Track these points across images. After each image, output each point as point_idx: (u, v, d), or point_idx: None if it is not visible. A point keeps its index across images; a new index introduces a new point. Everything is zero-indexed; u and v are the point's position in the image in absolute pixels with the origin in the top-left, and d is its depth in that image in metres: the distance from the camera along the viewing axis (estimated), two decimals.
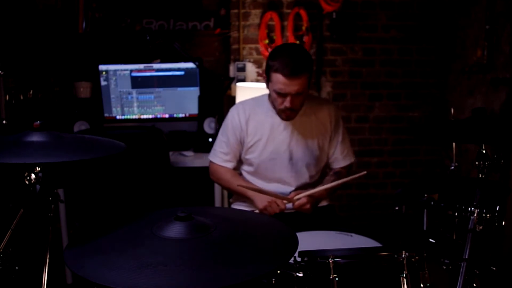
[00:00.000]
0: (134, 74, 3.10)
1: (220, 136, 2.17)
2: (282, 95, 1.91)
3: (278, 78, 1.87)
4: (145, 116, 3.16)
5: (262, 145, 2.08)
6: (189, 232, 1.06)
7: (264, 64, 3.35)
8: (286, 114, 1.98)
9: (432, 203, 1.67)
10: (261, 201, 1.99)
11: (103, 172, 2.41)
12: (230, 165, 2.15)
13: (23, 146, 1.28)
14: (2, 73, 2.43)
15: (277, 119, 2.06)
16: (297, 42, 3.27)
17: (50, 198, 1.39)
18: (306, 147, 2.08)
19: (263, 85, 3.15)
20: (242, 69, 3.35)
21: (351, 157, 2.22)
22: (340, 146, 2.16)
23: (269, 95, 2.10)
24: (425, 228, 1.79)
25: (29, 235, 1.67)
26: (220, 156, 2.15)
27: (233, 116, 2.12)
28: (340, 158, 2.18)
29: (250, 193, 2.03)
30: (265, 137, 2.07)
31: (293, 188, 2.11)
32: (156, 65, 3.10)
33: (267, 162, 2.08)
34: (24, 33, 2.87)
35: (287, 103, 1.91)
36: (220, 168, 2.16)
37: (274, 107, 2.03)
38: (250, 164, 2.14)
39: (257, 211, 2.03)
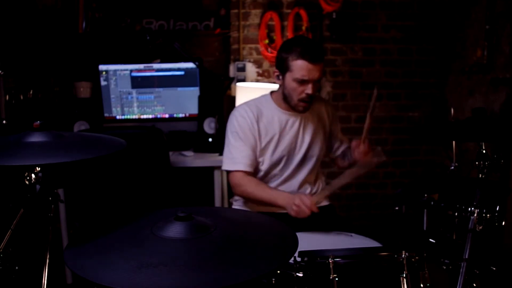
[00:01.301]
0: (134, 74, 3.10)
1: (233, 143, 2.02)
2: (304, 82, 1.92)
3: (302, 65, 1.88)
4: (145, 116, 3.16)
5: (274, 144, 2.06)
6: (189, 232, 1.06)
7: (264, 64, 3.36)
8: (304, 105, 1.98)
9: (432, 203, 1.67)
10: (291, 206, 1.83)
11: (103, 172, 2.41)
12: (253, 169, 2.02)
13: (23, 146, 1.28)
14: (2, 73, 2.43)
15: (284, 116, 2.07)
16: None
17: (50, 198, 1.39)
18: (314, 141, 2.11)
19: (263, 85, 3.18)
20: (242, 69, 3.35)
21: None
22: (340, 132, 2.27)
23: (272, 92, 2.11)
24: (425, 228, 1.79)
25: (29, 235, 1.67)
26: (243, 161, 2.00)
27: (243, 118, 2.03)
28: (344, 139, 2.29)
29: (281, 201, 1.90)
30: (277, 136, 2.06)
31: (298, 183, 2.13)
32: (156, 65, 3.10)
33: (279, 161, 2.08)
34: (24, 33, 2.87)
35: (309, 90, 1.92)
36: (243, 178, 2.00)
37: (288, 101, 2.00)
38: (260, 165, 2.10)
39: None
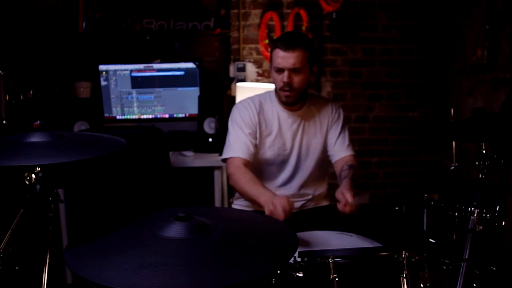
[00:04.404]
0: (134, 74, 3.10)
1: (231, 132, 2.05)
2: (280, 70, 1.94)
3: (276, 53, 1.93)
4: (145, 116, 3.16)
5: (271, 141, 2.07)
6: (189, 232, 1.06)
7: (264, 64, 3.37)
8: (285, 94, 1.98)
9: (432, 203, 1.67)
10: (268, 205, 1.74)
11: (103, 172, 2.41)
12: (250, 157, 2.00)
13: (23, 146, 1.28)
14: (2, 73, 2.43)
15: (284, 114, 2.06)
16: None
17: (50, 198, 1.38)
18: (313, 143, 2.09)
19: (263, 85, 3.18)
20: (242, 69, 3.35)
21: (352, 150, 2.13)
22: (341, 137, 2.11)
23: (275, 89, 2.11)
24: (425, 228, 1.79)
25: (29, 235, 1.67)
26: (239, 148, 2.00)
27: (245, 108, 2.06)
28: (341, 148, 2.09)
29: (262, 199, 1.80)
30: (274, 132, 2.06)
31: (298, 185, 2.11)
32: (156, 65, 3.10)
33: (274, 157, 2.08)
34: (24, 33, 2.87)
35: (284, 78, 1.93)
36: (239, 169, 1.97)
37: (277, 92, 2.03)
38: (258, 160, 2.10)
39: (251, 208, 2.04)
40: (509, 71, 2.74)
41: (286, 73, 1.92)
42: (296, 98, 2.01)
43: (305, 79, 1.97)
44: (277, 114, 2.07)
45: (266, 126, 2.06)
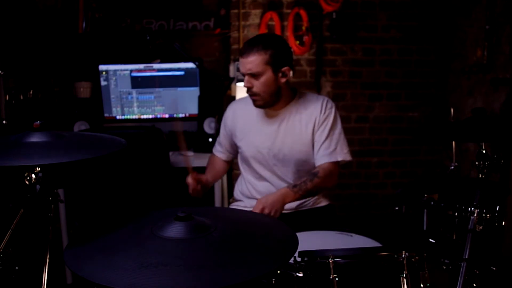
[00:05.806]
0: (134, 74, 3.10)
1: (220, 129, 2.31)
2: (243, 75, 1.98)
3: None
4: (145, 116, 3.16)
5: (249, 139, 2.10)
6: (189, 232, 1.06)
7: None
8: (251, 98, 2.01)
9: (432, 203, 1.67)
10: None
11: (103, 172, 2.41)
12: (222, 156, 2.26)
13: (23, 146, 1.28)
14: (2, 73, 2.43)
15: (263, 114, 2.08)
16: (297, 42, 3.27)
17: (50, 198, 1.39)
18: (295, 143, 2.03)
19: None
20: None
21: (342, 155, 2.01)
22: (327, 142, 2.00)
23: None
24: (425, 228, 1.79)
25: (29, 235, 1.67)
26: (216, 146, 2.29)
27: (226, 111, 2.24)
28: (324, 153, 1.99)
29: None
30: (252, 131, 2.09)
31: (283, 184, 2.07)
32: (156, 65, 3.10)
33: (254, 156, 2.09)
34: (24, 33, 2.87)
35: (244, 82, 1.97)
36: (211, 156, 2.31)
37: None
38: (244, 159, 2.15)
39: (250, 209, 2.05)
40: (509, 71, 2.74)
41: (246, 78, 1.96)
42: (265, 102, 1.98)
43: (267, 82, 1.92)
44: (258, 113, 2.09)
45: (243, 126, 2.12)
